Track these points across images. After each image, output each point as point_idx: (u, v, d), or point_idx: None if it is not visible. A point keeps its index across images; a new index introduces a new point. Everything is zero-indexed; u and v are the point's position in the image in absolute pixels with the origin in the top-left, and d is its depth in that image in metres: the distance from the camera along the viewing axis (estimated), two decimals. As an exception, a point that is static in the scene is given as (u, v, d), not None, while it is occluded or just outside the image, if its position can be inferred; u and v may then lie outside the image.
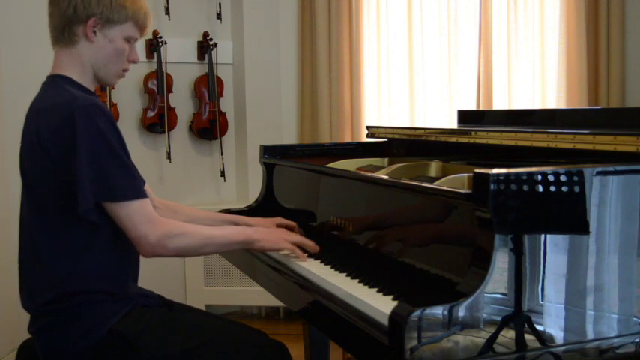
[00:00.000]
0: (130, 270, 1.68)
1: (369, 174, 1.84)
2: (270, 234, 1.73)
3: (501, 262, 1.21)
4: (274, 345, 1.69)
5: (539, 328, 1.24)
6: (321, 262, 1.69)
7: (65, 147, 1.50)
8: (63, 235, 1.57)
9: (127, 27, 1.65)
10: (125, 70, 1.71)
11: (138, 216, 1.50)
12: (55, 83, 1.63)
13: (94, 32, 1.62)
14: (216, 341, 1.62)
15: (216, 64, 3.72)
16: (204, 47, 3.72)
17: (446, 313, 1.15)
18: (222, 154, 3.82)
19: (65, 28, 1.63)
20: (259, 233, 1.71)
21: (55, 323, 1.56)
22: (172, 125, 3.71)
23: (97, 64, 1.65)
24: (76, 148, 1.47)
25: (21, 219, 1.69)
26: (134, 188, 1.52)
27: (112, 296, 1.58)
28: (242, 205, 2.39)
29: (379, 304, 1.31)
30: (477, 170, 1.26)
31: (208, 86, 3.73)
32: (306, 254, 1.73)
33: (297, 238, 1.76)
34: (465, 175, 1.63)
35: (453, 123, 3.43)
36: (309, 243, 1.75)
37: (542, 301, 1.24)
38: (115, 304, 1.58)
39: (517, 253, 1.22)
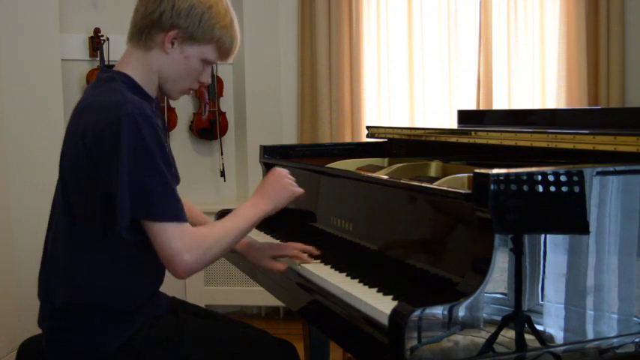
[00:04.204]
0: (152, 289, 1.63)
1: (369, 174, 1.84)
2: (273, 189, 1.64)
3: (501, 262, 1.21)
4: (282, 344, 1.69)
5: (539, 328, 1.24)
6: (321, 262, 1.69)
7: (108, 154, 1.41)
8: (89, 245, 1.51)
9: (208, 49, 1.55)
10: (191, 89, 1.62)
11: (172, 234, 1.40)
12: (112, 80, 1.52)
13: (172, 44, 1.52)
14: (225, 346, 1.61)
15: (217, 64, 3.71)
16: (205, 47, 3.72)
17: (446, 313, 1.15)
18: (222, 154, 3.82)
19: (145, 30, 1.52)
20: (267, 198, 1.62)
21: (67, 329, 1.54)
22: (172, 125, 3.71)
23: (165, 77, 1.56)
24: (119, 159, 1.38)
25: (52, 213, 1.60)
26: (174, 209, 1.42)
27: (128, 314, 1.54)
28: (242, 205, 2.38)
29: (379, 304, 1.31)
30: (477, 170, 1.26)
31: (208, 86, 3.73)
32: (306, 255, 1.71)
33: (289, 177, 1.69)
34: (465, 175, 1.63)
35: (453, 123, 3.43)
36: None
37: (542, 301, 1.24)
38: (129, 321, 1.54)
39: (517, 253, 1.22)
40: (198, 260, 1.42)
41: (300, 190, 1.68)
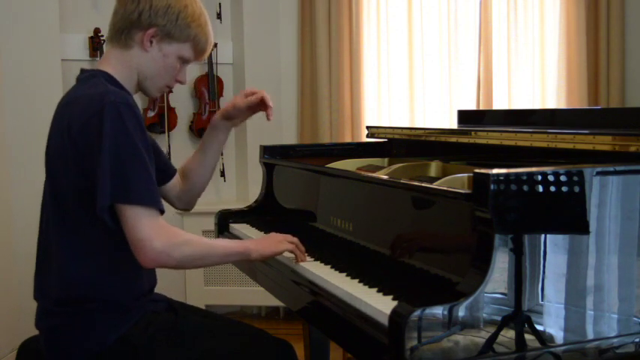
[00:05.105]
0: (148, 282, 1.64)
1: (369, 174, 1.84)
2: (266, 241, 1.68)
3: (501, 262, 1.21)
4: (280, 344, 1.69)
5: (539, 328, 1.24)
6: (321, 262, 1.69)
7: (91, 142, 1.45)
8: (79, 237, 1.53)
9: (185, 47, 1.62)
10: (169, 87, 1.68)
11: (146, 220, 1.42)
12: (93, 77, 1.58)
13: (150, 42, 1.59)
14: (223, 345, 1.61)
15: (216, 64, 3.72)
16: (204, 47, 3.72)
17: (446, 313, 1.15)
18: (222, 154, 3.82)
19: (124, 30, 1.59)
20: (255, 243, 1.65)
21: (64, 326, 1.54)
22: (172, 125, 3.71)
23: (144, 74, 1.62)
24: (101, 145, 1.42)
25: (42, 211, 1.62)
26: (151, 195, 1.45)
27: (125, 307, 1.55)
28: (242, 205, 2.38)
29: (379, 304, 1.31)
30: (476, 170, 1.26)
31: (208, 86, 3.73)
32: (306, 255, 1.71)
33: (293, 238, 1.70)
34: (465, 175, 1.63)
35: (453, 123, 3.43)
36: (302, 248, 1.72)
37: (542, 301, 1.24)
38: (126, 314, 1.55)
39: (517, 253, 1.22)
40: (166, 251, 1.44)
41: (283, 248, 1.67)
